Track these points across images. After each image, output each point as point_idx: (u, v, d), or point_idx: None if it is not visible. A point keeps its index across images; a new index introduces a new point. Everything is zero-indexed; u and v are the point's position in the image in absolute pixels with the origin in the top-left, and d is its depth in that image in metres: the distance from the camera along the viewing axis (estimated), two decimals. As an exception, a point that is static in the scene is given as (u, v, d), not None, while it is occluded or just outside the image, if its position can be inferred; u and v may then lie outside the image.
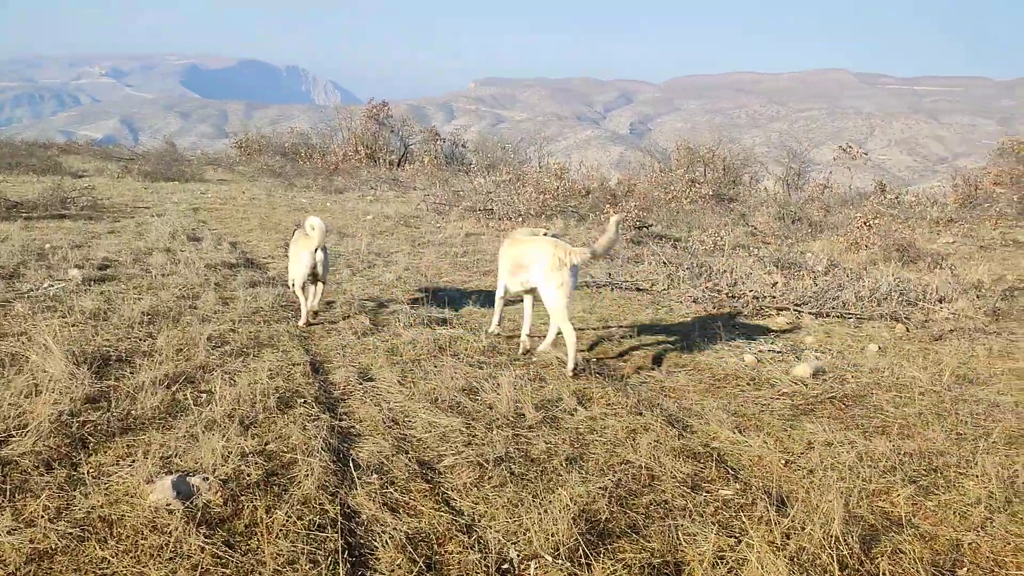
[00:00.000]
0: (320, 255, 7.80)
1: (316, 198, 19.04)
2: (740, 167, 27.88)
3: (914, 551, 3.85)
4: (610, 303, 9.51)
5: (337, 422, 5.16)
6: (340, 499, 4.09)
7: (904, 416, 5.98)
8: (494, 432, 5.12)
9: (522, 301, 7.59)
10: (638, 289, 10.33)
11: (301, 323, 7.74)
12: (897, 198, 23.18)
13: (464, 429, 5.15)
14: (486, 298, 9.36)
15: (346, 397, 5.73)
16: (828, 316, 9.25)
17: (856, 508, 4.24)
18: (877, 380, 6.88)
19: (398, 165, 28.64)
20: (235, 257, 10.87)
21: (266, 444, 4.70)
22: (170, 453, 4.47)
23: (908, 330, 8.77)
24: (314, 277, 7.88)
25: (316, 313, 8.02)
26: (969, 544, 3.98)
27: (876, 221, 15.55)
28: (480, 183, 18.95)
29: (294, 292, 8.06)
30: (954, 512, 4.31)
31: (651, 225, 16.37)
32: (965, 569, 3.78)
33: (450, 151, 30.93)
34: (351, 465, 4.48)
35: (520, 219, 15.85)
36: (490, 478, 4.46)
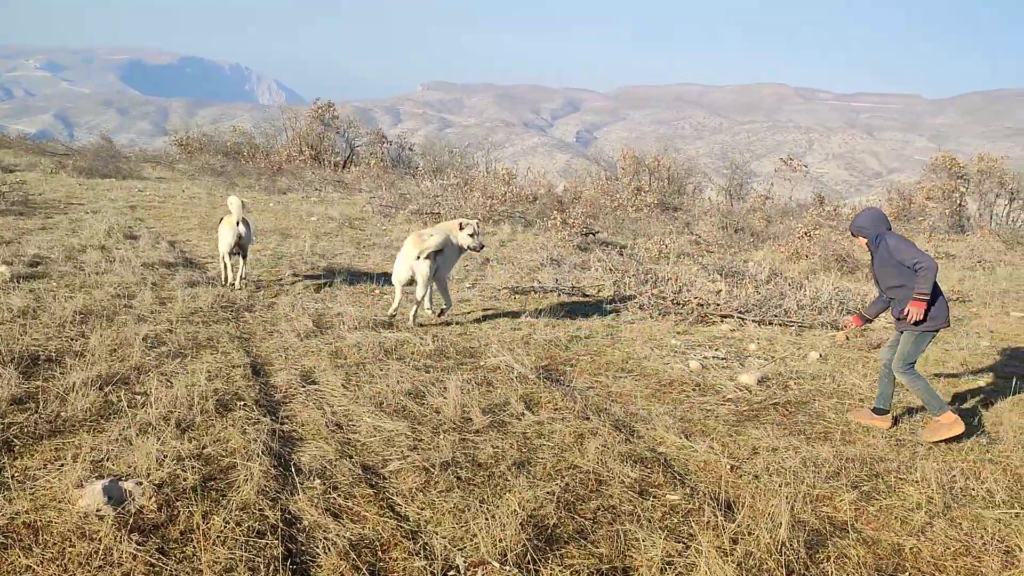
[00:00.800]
0: (242, 227, 9.06)
1: (259, 198, 18.68)
2: (684, 177, 28.23)
3: (858, 556, 3.89)
4: (558, 308, 9.49)
5: (278, 426, 5.02)
6: (281, 504, 3.96)
7: (846, 422, 6.07)
8: (440, 436, 5.03)
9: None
10: (584, 295, 10.34)
11: (227, 286, 9.19)
12: (835, 210, 23.74)
13: (410, 433, 5.05)
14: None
15: (288, 400, 5.59)
16: (771, 324, 9.38)
17: (801, 513, 4.26)
18: (819, 387, 6.99)
19: (343, 167, 28.29)
20: (173, 256, 10.58)
21: (204, 448, 4.53)
22: (101, 457, 4.29)
23: (848, 338, 8.93)
24: (239, 248, 9.16)
25: (243, 278, 9.34)
26: (911, 549, 4.03)
27: (816, 232, 15.87)
28: (427, 186, 18.83)
29: (221, 261, 9.37)
30: (896, 517, 4.37)
31: (597, 232, 16.44)
32: (907, 574, 3.82)
33: (397, 154, 30.68)
34: (292, 470, 4.34)
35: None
36: (436, 483, 4.37)
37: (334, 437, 4.92)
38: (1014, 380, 7.43)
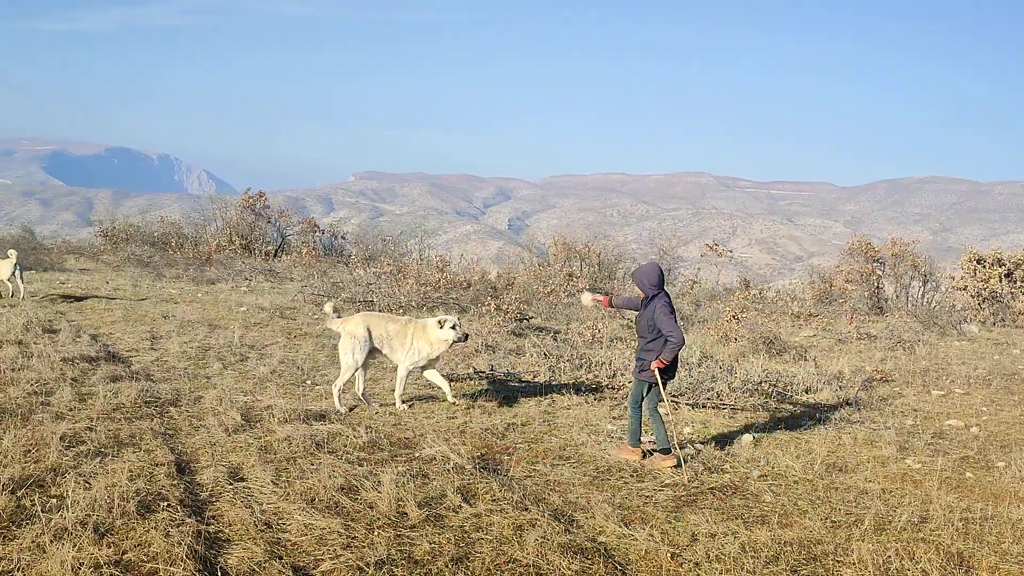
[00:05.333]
0: (18, 267, 14.81)
1: (186, 288, 18.31)
2: (614, 262, 28.75)
3: (801, 643, 3.85)
4: (494, 395, 9.42)
5: (204, 527, 4.80)
6: (206, 613, 3.76)
7: (781, 505, 6.10)
8: (375, 533, 4.88)
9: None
10: (520, 381, 10.30)
11: (12, 297, 14.69)
12: (760, 293, 24.44)
13: (343, 531, 4.89)
14: (367, 389, 9.12)
15: (214, 499, 5.36)
16: (704, 407, 9.47)
17: (743, 600, 4.23)
18: (752, 469, 7.03)
19: (274, 256, 28.03)
20: (95, 350, 10.22)
21: (123, 553, 4.30)
22: (12, 567, 4.02)
23: (776, 419, 9.06)
24: (13, 278, 14.79)
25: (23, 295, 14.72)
26: (852, 633, 4.02)
27: (743, 315, 16.24)
28: (360, 274, 18.75)
29: (8, 282, 14.94)
30: (835, 601, 4.37)
31: (531, 317, 16.52)
32: (850, 659, 3.79)
33: (329, 242, 30.55)
34: (219, 574, 4.14)
35: (401, 311, 15.70)
36: (371, 583, 4.21)
37: (263, 537, 4.73)
38: (939, 458, 7.62)
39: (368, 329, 8.58)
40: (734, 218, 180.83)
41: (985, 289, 22.79)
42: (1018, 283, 22.82)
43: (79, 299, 15.02)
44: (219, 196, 33.88)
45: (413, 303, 16.34)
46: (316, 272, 21.70)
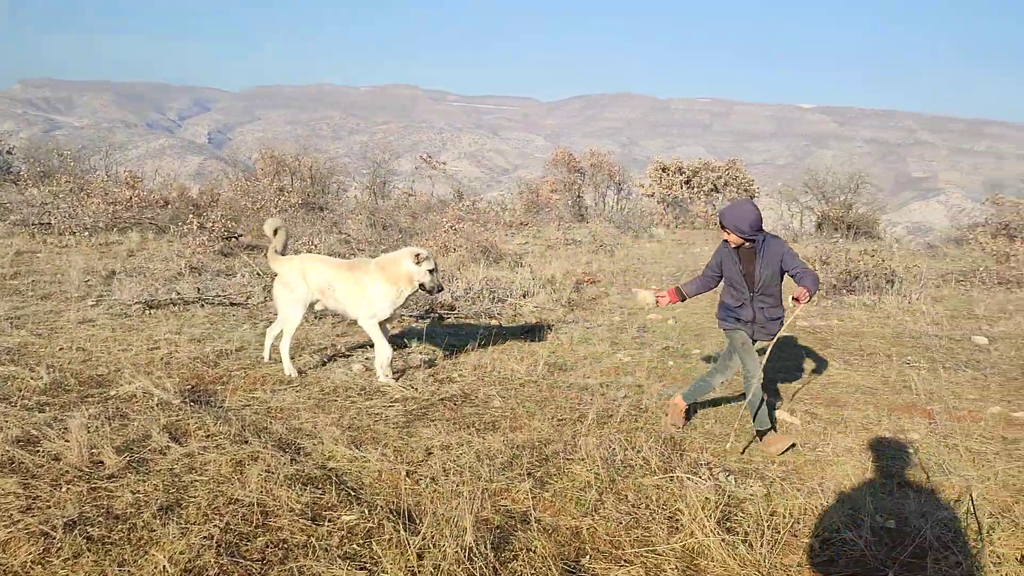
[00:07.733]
0: None
1: None
2: (327, 176, 27.78)
3: (542, 547, 3.83)
4: (203, 321, 8.60)
5: None
6: None
7: (511, 408, 6.14)
8: (63, 489, 4.15)
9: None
10: (232, 304, 9.51)
11: None
12: (474, 204, 24.90)
13: (21, 491, 4.10)
14: (47, 323, 7.89)
15: None
16: (428, 318, 9.36)
17: (483, 512, 4.13)
18: (481, 376, 7.04)
19: (-81, 174, 23.65)
20: None
21: None
22: None
23: (501, 325, 9.20)
24: None
25: None
26: (587, 529, 4.08)
27: (460, 225, 16.36)
28: (33, 194, 16.32)
29: None
30: (570, 499, 4.42)
31: (240, 235, 15.42)
32: (588, 556, 3.84)
33: (-9, 158, 26.37)
34: None
35: (87, 233, 13.90)
36: (60, 549, 3.55)
37: (-90, 512, 3.82)
38: (645, 351, 8.15)
39: (303, 276, 7.09)
40: (443, 132, 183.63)
41: (669, 195, 25.04)
42: (695, 189, 25.31)
43: None
44: None
45: (101, 224, 14.54)
46: (-24, 192, 18.59)
